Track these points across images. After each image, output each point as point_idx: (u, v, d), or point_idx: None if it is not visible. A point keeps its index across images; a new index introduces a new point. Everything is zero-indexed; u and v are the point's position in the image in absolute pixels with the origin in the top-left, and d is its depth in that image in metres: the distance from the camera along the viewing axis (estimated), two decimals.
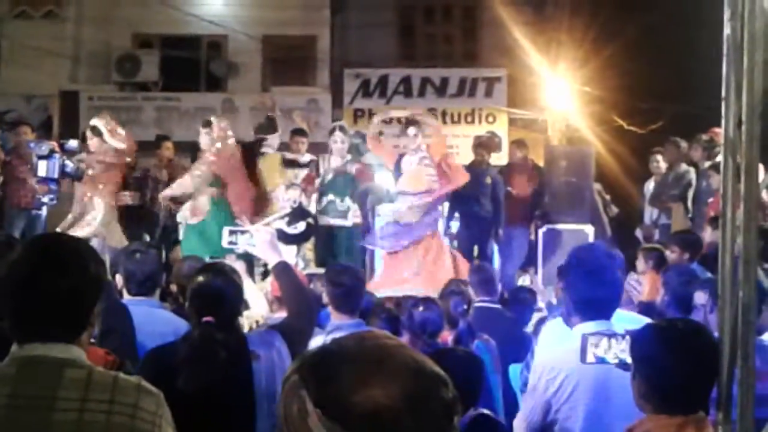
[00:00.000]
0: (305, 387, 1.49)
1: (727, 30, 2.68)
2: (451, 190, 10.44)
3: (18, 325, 2.48)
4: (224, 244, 4.57)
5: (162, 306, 5.36)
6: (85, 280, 2.51)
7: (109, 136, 10.01)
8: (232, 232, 4.53)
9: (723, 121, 2.68)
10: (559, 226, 11.89)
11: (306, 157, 12.35)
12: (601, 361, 3.44)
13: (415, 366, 1.50)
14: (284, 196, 11.18)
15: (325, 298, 5.26)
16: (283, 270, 4.33)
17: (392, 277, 9.76)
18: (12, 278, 2.49)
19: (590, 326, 3.94)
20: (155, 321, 4.87)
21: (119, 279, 5.15)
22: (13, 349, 2.48)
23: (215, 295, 3.83)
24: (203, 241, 9.63)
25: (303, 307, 4.26)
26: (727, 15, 2.67)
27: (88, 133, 10.29)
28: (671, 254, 8.54)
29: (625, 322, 4.40)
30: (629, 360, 3.18)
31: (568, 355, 3.96)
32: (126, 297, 5.08)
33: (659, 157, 12.70)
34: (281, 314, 5.16)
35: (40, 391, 2.39)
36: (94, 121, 10.22)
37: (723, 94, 2.67)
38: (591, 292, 3.99)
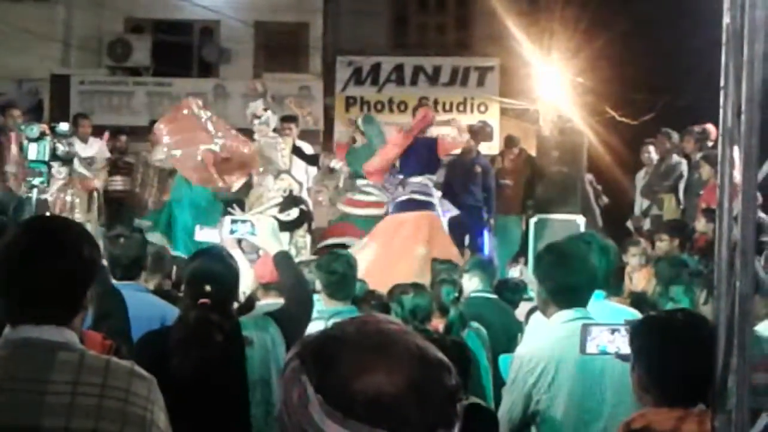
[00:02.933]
0: (306, 372, 1.46)
1: (726, 19, 2.66)
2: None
3: (11, 307, 2.47)
4: (225, 233, 4.57)
5: (147, 290, 5.35)
6: (79, 263, 2.50)
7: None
8: (233, 221, 4.53)
9: (721, 111, 2.66)
10: (551, 216, 11.88)
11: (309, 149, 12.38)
12: (601, 352, 3.43)
13: (418, 352, 1.47)
14: (273, 186, 11.17)
15: (318, 285, 5.26)
16: (284, 259, 4.34)
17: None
18: (6, 260, 2.48)
19: (566, 314, 3.95)
20: (142, 305, 4.86)
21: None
22: (6, 331, 2.47)
23: (212, 278, 3.83)
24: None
25: (303, 296, 4.27)
26: (726, 4, 2.65)
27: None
28: (661, 243, 8.57)
29: (615, 314, 4.42)
30: (628, 351, 3.17)
31: (546, 344, 3.97)
32: (111, 281, 5.07)
33: (651, 148, 12.73)
34: (266, 300, 5.17)
35: (32, 373, 2.38)
36: None
37: (722, 83, 2.65)
38: (564, 280, 3.99)
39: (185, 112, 10.76)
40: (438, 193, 10.81)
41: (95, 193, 12.41)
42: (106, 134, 10.69)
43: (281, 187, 11.15)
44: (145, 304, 4.93)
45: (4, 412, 2.35)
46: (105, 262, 5.14)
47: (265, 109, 11.40)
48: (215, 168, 10.54)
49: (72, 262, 2.48)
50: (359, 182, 11.08)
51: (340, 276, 5.15)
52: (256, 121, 11.26)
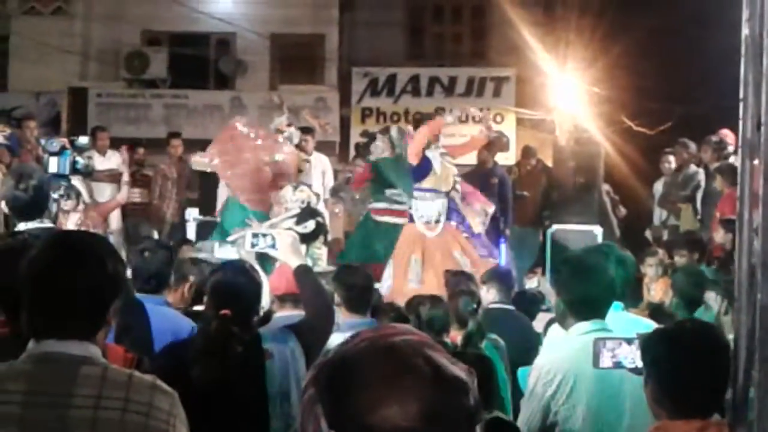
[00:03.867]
0: (320, 402, 1.45)
1: (745, 30, 2.64)
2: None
3: (35, 322, 2.48)
4: (246, 246, 4.59)
5: (168, 304, 5.36)
6: (103, 278, 2.51)
7: None
8: (254, 235, 4.55)
9: (741, 123, 2.65)
10: (568, 227, 11.85)
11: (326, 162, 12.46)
12: (616, 365, 3.42)
13: (431, 375, 1.43)
14: (292, 197, 11.16)
15: (337, 298, 5.27)
16: (305, 272, 4.35)
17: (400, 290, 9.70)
18: (30, 275, 2.49)
19: (584, 326, 3.95)
20: (163, 319, 4.87)
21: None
22: (30, 346, 2.48)
23: (234, 291, 3.85)
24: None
25: (323, 309, 4.28)
26: (745, 15, 2.64)
27: None
28: (680, 258, 8.54)
29: (633, 325, 4.40)
30: (641, 364, 3.16)
31: (564, 356, 3.96)
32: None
33: (671, 158, 12.69)
34: (282, 313, 5.18)
35: (56, 388, 2.39)
36: None
37: (741, 95, 2.64)
38: (582, 292, 3.99)
39: (232, 136, 10.66)
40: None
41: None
42: (124, 149, 10.68)
43: (300, 198, 11.15)
44: (166, 318, 4.95)
45: (29, 427, 2.36)
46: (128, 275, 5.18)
47: (289, 125, 11.41)
48: (271, 184, 10.49)
49: (95, 276, 2.49)
50: (388, 192, 11.05)
51: (360, 290, 5.17)
52: (280, 137, 11.26)
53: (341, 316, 5.16)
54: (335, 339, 4.21)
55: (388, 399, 1.40)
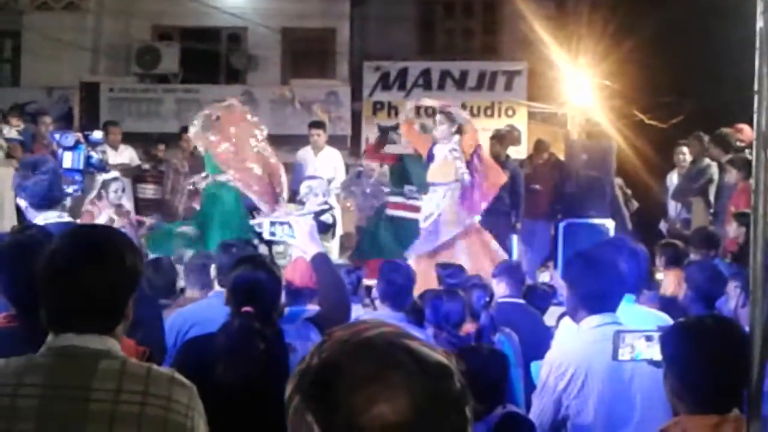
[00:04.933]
0: (311, 411, 1.44)
1: (760, 23, 2.65)
2: (491, 191, 10.30)
3: (54, 316, 2.49)
4: (265, 235, 4.59)
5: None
6: (122, 272, 2.52)
7: None
8: (272, 223, 4.54)
9: (755, 115, 2.65)
10: (580, 221, 11.85)
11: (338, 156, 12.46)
12: (634, 359, 3.42)
13: (414, 366, 1.44)
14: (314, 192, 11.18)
15: (374, 292, 5.34)
16: (323, 261, 4.34)
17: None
18: (49, 269, 2.50)
19: (596, 319, 3.96)
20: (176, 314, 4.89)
21: None
22: (49, 339, 2.49)
23: (255, 286, 3.84)
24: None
25: (339, 300, 4.27)
26: (760, 8, 2.64)
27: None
28: (696, 257, 8.50)
29: (646, 318, 4.41)
30: (660, 358, 3.15)
31: (576, 350, 3.97)
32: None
33: (685, 150, 12.64)
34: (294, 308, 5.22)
35: (74, 381, 2.40)
36: None
37: (755, 87, 2.64)
38: (594, 285, 3.99)
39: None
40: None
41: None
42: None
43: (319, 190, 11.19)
44: (179, 313, 4.97)
45: (48, 420, 2.37)
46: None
47: None
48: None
49: (114, 270, 2.50)
50: (407, 188, 11.05)
51: (399, 287, 5.22)
52: None
53: (377, 309, 5.23)
54: None
55: (376, 397, 1.41)
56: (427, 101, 11.47)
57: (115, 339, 2.50)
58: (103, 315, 2.49)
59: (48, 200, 4.55)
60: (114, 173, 9.94)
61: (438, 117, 10.23)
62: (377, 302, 5.27)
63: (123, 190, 10.30)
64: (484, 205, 10.24)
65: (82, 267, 2.48)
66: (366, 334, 1.49)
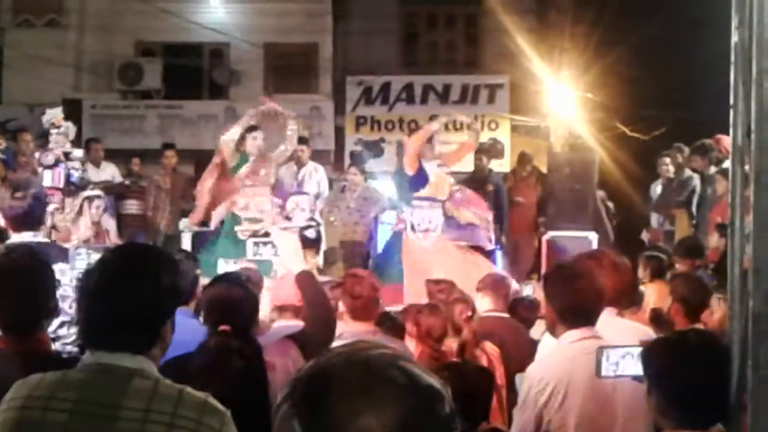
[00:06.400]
0: (297, 417, 1.45)
1: (735, 38, 2.66)
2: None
3: (90, 333, 2.53)
4: (249, 255, 4.58)
5: (194, 316, 5.33)
6: (157, 291, 2.54)
7: None
8: (256, 244, 4.54)
9: (731, 129, 2.67)
10: (563, 233, 11.85)
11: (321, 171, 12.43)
12: (617, 375, 3.41)
13: (406, 384, 1.44)
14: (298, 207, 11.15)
15: (341, 307, 5.28)
16: (308, 278, 4.33)
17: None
18: (86, 287, 2.54)
19: (575, 334, 3.93)
20: (184, 331, 4.82)
21: None
22: (85, 356, 2.52)
23: (231, 304, 3.83)
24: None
25: (325, 317, 4.26)
26: (735, 22, 2.65)
27: None
28: (681, 267, 8.51)
29: (628, 331, 4.40)
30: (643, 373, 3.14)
31: (556, 364, 3.95)
32: None
33: (668, 160, 12.69)
34: (281, 322, 5.18)
35: (105, 398, 2.41)
36: None
37: (731, 101, 2.66)
38: (572, 300, 3.97)
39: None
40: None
41: None
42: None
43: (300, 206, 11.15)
44: (190, 330, 4.90)
45: None
46: None
47: (66, 118, 10.69)
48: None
49: (149, 290, 2.52)
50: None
51: (366, 300, 5.18)
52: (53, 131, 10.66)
53: (345, 323, 5.17)
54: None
55: (364, 409, 1.41)
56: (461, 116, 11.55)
57: (151, 360, 2.51)
58: (136, 334, 2.50)
59: (24, 223, 4.55)
60: (97, 190, 9.88)
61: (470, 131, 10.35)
62: (346, 318, 5.21)
63: (105, 209, 10.21)
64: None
65: (116, 285, 2.51)
66: (366, 352, 1.50)
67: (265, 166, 10.29)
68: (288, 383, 1.52)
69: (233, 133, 10.16)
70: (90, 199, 9.92)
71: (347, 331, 5.02)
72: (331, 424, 1.41)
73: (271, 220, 9.76)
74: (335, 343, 4.27)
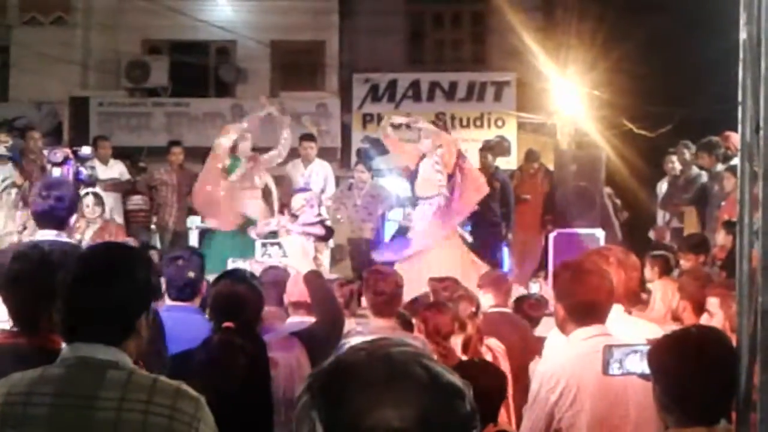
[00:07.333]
0: (316, 408, 1.46)
1: (743, 34, 2.66)
2: (468, 207, 10.33)
3: (68, 326, 2.62)
4: (257, 256, 4.61)
5: (200, 312, 5.33)
6: (132, 286, 2.64)
7: None
8: (264, 245, 4.57)
9: (739, 126, 2.66)
10: (570, 231, 11.84)
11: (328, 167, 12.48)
12: (624, 373, 3.40)
13: (428, 380, 1.45)
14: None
15: (364, 302, 5.33)
16: (315, 278, 4.35)
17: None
18: (64, 282, 2.64)
19: (586, 331, 3.91)
20: (188, 327, 4.84)
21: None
22: (63, 350, 2.62)
23: (236, 300, 3.84)
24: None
25: (332, 315, 4.28)
26: (743, 19, 2.65)
27: None
28: (686, 262, 8.51)
29: (636, 328, 4.39)
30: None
31: (567, 362, 3.94)
32: (167, 301, 5.08)
33: (674, 158, 12.67)
34: (294, 319, 5.20)
35: (82, 390, 2.50)
36: None
37: (739, 98, 2.66)
38: (582, 297, 3.95)
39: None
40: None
41: None
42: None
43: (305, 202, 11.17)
44: (191, 326, 4.91)
45: (56, 427, 2.48)
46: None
47: None
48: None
49: (123, 285, 2.62)
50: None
51: (389, 296, 5.22)
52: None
53: (369, 318, 5.21)
54: (358, 341, 4.22)
55: (383, 401, 1.42)
56: (397, 119, 11.44)
57: (125, 352, 2.60)
58: (112, 326, 2.60)
59: (47, 222, 4.75)
60: (89, 189, 9.90)
61: (422, 131, 10.28)
62: (369, 313, 5.26)
63: (102, 207, 10.16)
64: (458, 219, 10.27)
65: (91, 280, 2.62)
66: (388, 348, 1.50)
67: (258, 171, 10.37)
68: (308, 375, 1.54)
69: (228, 138, 10.28)
70: (83, 197, 9.95)
71: (369, 326, 5.05)
72: (350, 415, 1.42)
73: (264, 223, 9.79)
74: (356, 339, 4.29)
